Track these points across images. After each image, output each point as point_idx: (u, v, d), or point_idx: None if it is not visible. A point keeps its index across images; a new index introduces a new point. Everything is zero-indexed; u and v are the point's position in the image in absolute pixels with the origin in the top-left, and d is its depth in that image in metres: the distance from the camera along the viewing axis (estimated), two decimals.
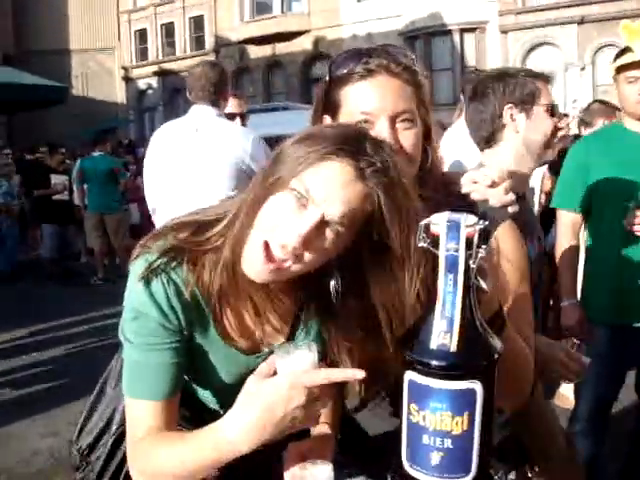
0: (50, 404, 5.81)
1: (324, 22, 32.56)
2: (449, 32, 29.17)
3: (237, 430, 1.31)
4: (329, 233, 1.36)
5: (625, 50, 3.33)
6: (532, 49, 28.19)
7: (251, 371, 1.42)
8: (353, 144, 1.36)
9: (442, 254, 1.17)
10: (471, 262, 1.18)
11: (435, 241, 1.19)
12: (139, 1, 40.95)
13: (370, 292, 1.46)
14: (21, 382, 6.70)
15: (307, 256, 1.37)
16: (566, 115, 8.93)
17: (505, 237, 1.69)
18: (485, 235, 1.19)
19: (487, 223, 1.20)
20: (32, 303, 10.20)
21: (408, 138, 1.63)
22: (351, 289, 1.49)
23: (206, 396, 1.67)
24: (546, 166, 6.70)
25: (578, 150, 3.51)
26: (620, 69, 3.31)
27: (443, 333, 1.17)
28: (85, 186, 11.71)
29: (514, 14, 28.09)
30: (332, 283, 1.51)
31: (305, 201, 1.34)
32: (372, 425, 1.91)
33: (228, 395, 1.42)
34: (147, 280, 1.46)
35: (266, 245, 1.36)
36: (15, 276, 12.13)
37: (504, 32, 28.05)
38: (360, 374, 1.31)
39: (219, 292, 1.51)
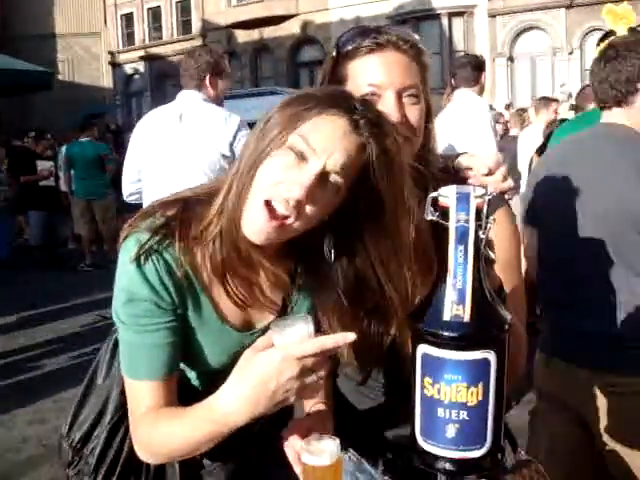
0: (37, 391, 5.82)
1: (312, 6, 32.39)
2: (437, 16, 29.09)
3: (231, 403, 1.32)
4: (329, 185, 1.41)
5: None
6: (520, 33, 28.15)
7: (244, 350, 1.41)
8: (344, 100, 1.44)
9: (452, 225, 1.19)
10: (481, 232, 1.19)
11: (444, 213, 1.20)
12: None
13: (365, 249, 1.51)
14: (8, 369, 6.69)
15: (308, 210, 1.41)
16: (555, 100, 8.93)
17: (501, 223, 1.68)
18: (493, 207, 1.21)
19: (495, 194, 1.22)
20: (19, 289, 10.16)
21: (414, 113, 1.66)
22: (345, 248, 1.53)
23: (197, 380, 1.68)
24: (534, 150, 6.72)
25: (557, 137, 3.56)
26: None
27: (455, 304, 1.18)
28: (72, 172, 11.65)
29: None
30: (326, 241, 1.55)
31: (305, 154, 1.39)
32: (361, 404, 1.90)
33: (220, 379, 1.41)
34: (139, 261, 1.46)
35: (267, 203, 1.40)
36: (9, 263, 12.08)
37: (492, 16, 27.98)
38: (350, 336, 1.30)
39: (213, 268, 1.52)
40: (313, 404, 1.75)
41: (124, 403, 1.57)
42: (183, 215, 1.53)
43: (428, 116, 1.75)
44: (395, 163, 1.45)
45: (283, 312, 1.64)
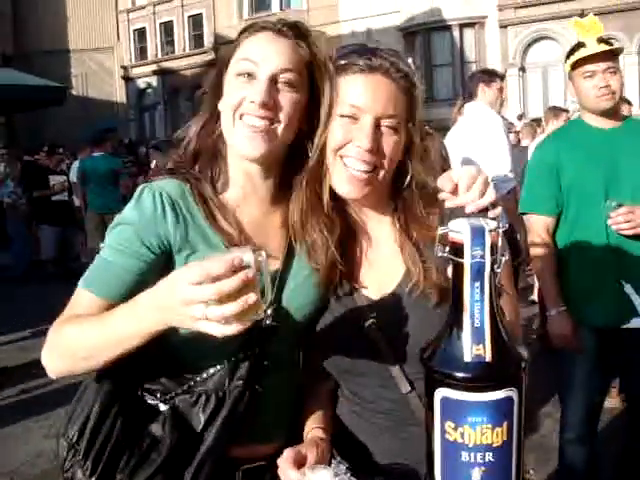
0: (53, 405, 5.80)
1: (323, 19, 32.47)
2: (448, 27, 29.08)
3: (142, 295, 1.42)
4: (284, 86, 1.62)
5: (578, 46, 3.30)
6: (532, 43, 28.10)
7: None
8: (266, 22, 1.69)
9: (467, 262, 1.14)
10: (495, 267, 1.15)
11: (456, 249, 1.16)
12: (138, 0, 40.88)
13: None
14: (23, 383, 6.70)
15: (280, 111, 1.62)
16: (566, 111, 8.91)
17: None
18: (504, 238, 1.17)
19: (507, 226, 1.19)
20: (34, 304, 10.17)
21: (388, 143, 1.63)
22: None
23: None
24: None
25: (546, 151, 3.45)
26: (575, 65, 3.28)
27: (475, 344, 1.14)
28: (85, 187, 11.68)
29: (513, 8, 28.00)
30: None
31: (251, 70, 1.62)
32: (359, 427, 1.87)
33: None
34: (139, 194, 1.64)
35: (241, 117, 1.63)
36: (22, 277, 12.11)
37: (503, 27, 27.95)
38: (252, 299, 1.27)
39: (219, 207, 1.68)
40: (310, 429, 1.75)
41: (113, 392, 1.60)
42: (182, 169, 1.74)
43: (409, 151, 1.71)
44: (327, 62, 1.68)
45: (289, 254, 1.74)
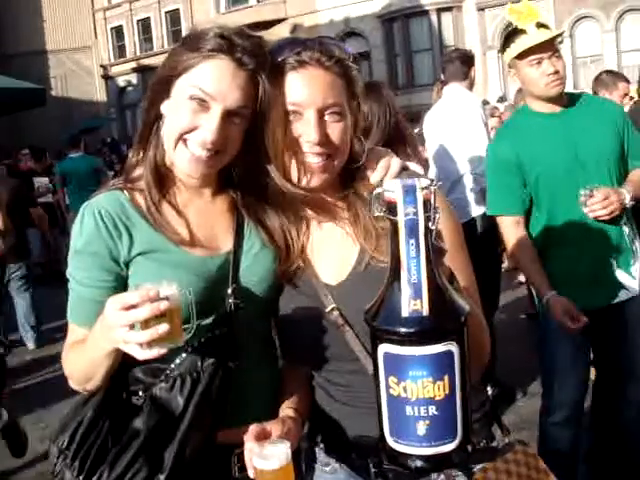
0: (47, 407, 5.84)
1: (300, 9, 32.41)
2: (426, 13, 29.12)
3: (95, 328, 1.56)
4: (235, 120, 1.64)
5: (517, 33, 3.22)
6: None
7: (214, 273, 1.71)
8: (222, 41, 1.60)
9: (401, 220, 1.17)
10: (430, 224, 1.18)
11: (391, 208, 1.19)
12: None
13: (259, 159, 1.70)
14: (17, 386, 6.70)
15: (227, 145, 1.65)
16: None
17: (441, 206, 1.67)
18: (437, 196, 1.20)
19: (440, 184, 1.21)
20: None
21: (336, 131, 1.65)
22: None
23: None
24: None
25: (501, 148, 3.36)
26: (521, 54, 3.18)
27: (413, 299, 1.17)
28: (66, 188, 11.59)
29: None
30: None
31: (205, 101, 1.61)
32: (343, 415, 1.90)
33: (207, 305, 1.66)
34: (82, 215, 1.72)
35: (185, 142, 1.64)
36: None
37: (481, 9, 27.99)
38: (163, 328, 1.39)
39: (155, 202, 1.73)
40: (282, 409, 1.78)
41: (103, 401, 1.69)
42: (129, 177, 1.79)
43: (356, 131, 1.74)
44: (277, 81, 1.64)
45: (240, 233, 1.80)
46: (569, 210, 3.18)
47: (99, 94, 40.73)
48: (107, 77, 40.66)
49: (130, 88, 40.08)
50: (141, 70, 38.68)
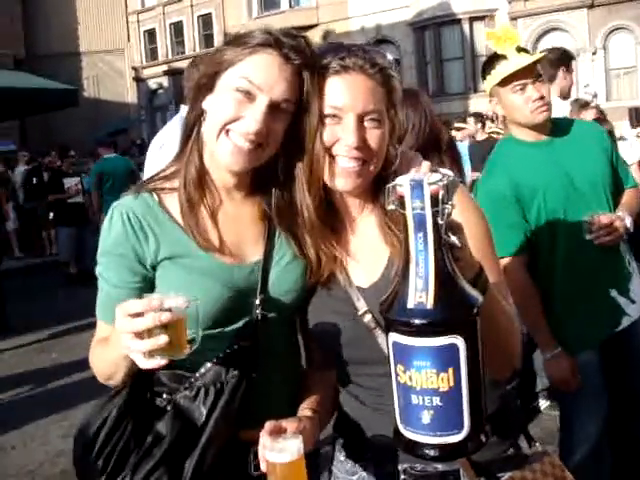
0: (71, 405, 5.86)
1: (332, 15, 32.48)
2: (458, 21, 29.02)
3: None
4: (279, 115, 1.66)
5: (497, 58, 3.06)
6: (542, 35, 27.97)
7: (234, 288, 1.70)
8: (270, 37, 1.65)
9: (409, 214, 1.21)
10: (439, 219, 1.19)
11: (402, 202, 1.21)
12: (147, 1, 41.00)
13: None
14: (42, 384, 6.77)
15: (269, 140, 1.66)
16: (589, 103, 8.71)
17: (462, 202, 1.65)
18: (451, 191, 1.21)
19: (451, 179, 1.23)
20: (51, 305, 10.27)
21: (374, 137, 1.67)
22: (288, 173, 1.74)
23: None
24: None
25: (497, 184, 3.11)
26: (503, 80, 3.02)
27: (419, 291, 1.20)
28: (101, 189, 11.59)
29: (523, 0, 27.89)
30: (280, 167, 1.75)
31: (251, 92, 1.62)
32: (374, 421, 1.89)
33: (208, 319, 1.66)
34: (110, 216, 1.73)
35: (227, 133, 1.65)
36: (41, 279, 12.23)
37: (514, 19, 27.83)
38: (162, 340, 1.39)
39: (188, 204, 1.73)
40: (300, 410, 1.79)
41: (128, 400, 1.70)
42: (156, 177, 1.81)
43: (392, 138, 1.75)
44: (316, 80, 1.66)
45: (270, 242, 1.80)
46: (570, 239, 3.08)
47: (130, 96, 41.09)
48: (138, 79, 41.00)
49: (161, 91, 40.37)
50: (172, 73, 38.93)
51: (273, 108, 1.64)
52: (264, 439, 1.54)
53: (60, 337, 8.49)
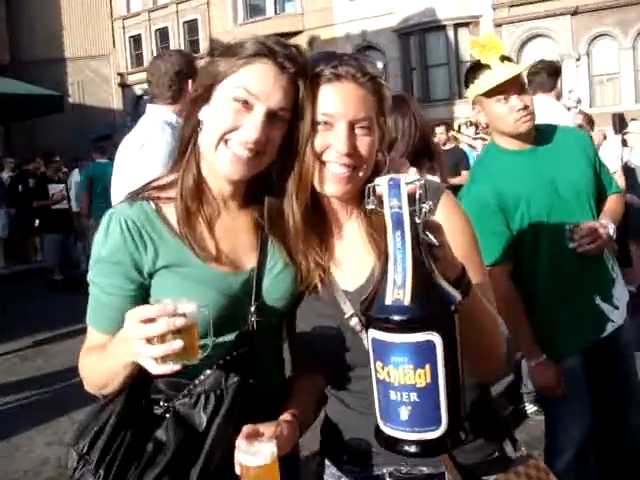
0: (55, 413, 5.83)
1: (317, 22, 32.54)
2: (443, 27, 29.15)
3: (115, 338, 1.58)
4: (276, 122, 1.68)
5: (480, 67, 3.04)
6: (527, 41, 28.18)
7: (231, 297, 1.72)
8: (264, 47, 1.67)
9: (387, 212, 1.24)
10: (416, 217, 1.23)
11: (381, 201, 1.25)
12: (133, 7, 40.91)
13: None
14: (26, 391, 6.72)
15: (267, 148, 1.68)
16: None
17: (448, 206, 1.72)
18: (430, 192, 1.25)
19: (427, 178, 1.26)
20: (36, 312, 10.21)
21: (364, 144, 1.70)
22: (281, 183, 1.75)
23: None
24: None
25: (481, 193, 3.10)
26: (488, 91, 3.01)
27: (397, 288, 1.23)
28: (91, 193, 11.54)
29: (507, 7, 28.09)
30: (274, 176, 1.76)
31: (249, 101, 1.65)
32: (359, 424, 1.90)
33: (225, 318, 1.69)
34: (107, 223, 1.72)
35: (226, 143, 1.67)
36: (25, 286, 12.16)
37: (498, 25, 28.04)
38: (177, 345, 1.40)
39: (186, 214, 1.74)
40: (283, 412, 1.80)
41: (126, 412, 1.69)
42: (152, 185, 1.81)
43: (381, 145, 1.79)
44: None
45: (263, 250, 1.82)
46: (553, 247, 3.09)
47: (115, 102, 40.96)
48: (124, 85, 40.89)
49: (146, 97, 40.21)
50: None
51: (270, 116, 1.66)
52: (239, 442, 1.56)
53: (45, 344, 8.44)
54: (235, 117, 1.66)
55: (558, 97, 5.40)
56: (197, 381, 1.69)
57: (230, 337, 1.74)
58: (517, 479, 1.72)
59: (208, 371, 1.68)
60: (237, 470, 1.56)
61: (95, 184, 11.32)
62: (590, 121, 9.04)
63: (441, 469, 1.72)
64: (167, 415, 1.69)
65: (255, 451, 1.52)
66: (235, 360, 1.71)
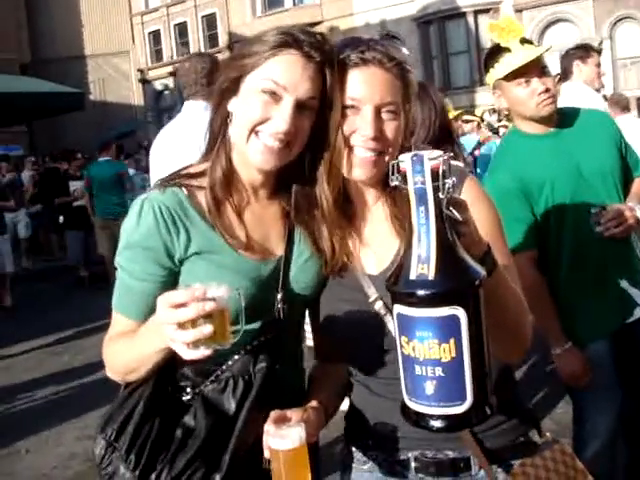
0: (84, 407, 5.88)
1: (336, 12, 32.46)
2: (463, 15, 28.95)
3: (148, 323, 1.61)
4: (304, 112, 1.69)
5: (500, 51, 3.00)
6: (548, 26, 27.90)
7: (260, 284, 1.74)
8: (290, 37, 1.67)
9: (411, 188, 1.25)
10: (440, 193, 1.23)
11: (405, 178, 1.26)
12: (151, 2, 41.08)
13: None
14: (54, 387, 6.79)
15: (296, 138, 1.69)
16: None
17: (472, 191, 1.72)
18: (453, 169, 1.25)
19: (451, 154, 1.27)
20: (63, 308, 10.30)
21: (390, 128, 1.71)
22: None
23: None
24: None
25: (502, 177, 3.08)
26: (507, 75, 2.97)
27: (421, 263, 1.24)
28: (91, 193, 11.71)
29: None
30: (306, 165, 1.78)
31: (277, 92, 1.66)
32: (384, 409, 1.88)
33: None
34: (139, 209, 1.72)
35: (257, 134, 1.68)
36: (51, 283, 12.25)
37: (519, 11, 27.76)
38: (207, 329, 1.41)
39: (217, 203, 1.76)
40: (309, 400, 1.82)
41: (153, 394, 1.70)
42: (183, 174, 1.82)
43: (405, 131, 1.79)
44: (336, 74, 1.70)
45: (290, 239, 1.84)
46: (578, 231, 3.04)
47: (136, 98, 41.19)
48: (144, 81, 41.09)
49: (167, 92, 40.43)
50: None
51: (299, 107, 1.67)
52: (268, 427, 1.58)
53: (72, 340, 8.51)
54: (264, 109, 1.67)
55: (591, 81, 5.26)
56: (225, 366, 1.71)
57: (257, 324, 1.75)
58: (543, 462, 1.75)
59: (236, 356, 1.71)
60: (266, 454, 1.57)
61: (93, 184, 11.57)
62: (625, 107, 8.88)
63: (467, 453, 1.74)
64: (194, 402, 1.70)
65: (284, 435, 1.54)
66: (262, 346, 1.74)
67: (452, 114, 6.56)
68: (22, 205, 14.43)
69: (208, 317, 1.42)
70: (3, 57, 29.15)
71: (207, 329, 1.41)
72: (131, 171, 14.28)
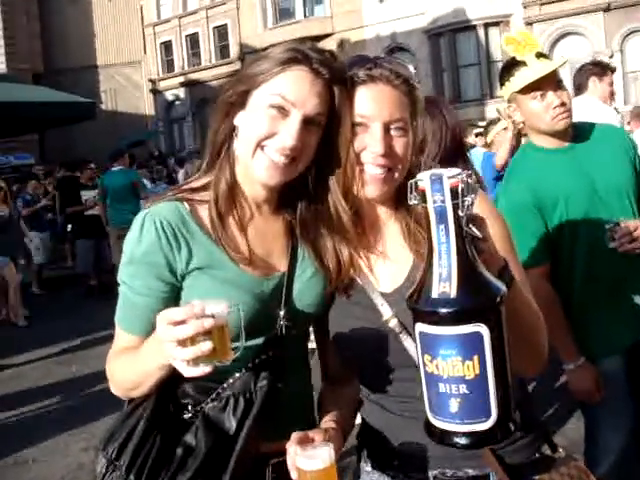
0: (91, 418, 5.87)
1: (347, 24, 32.55)
2: (473, 27, 28.98)
3: (150, 339, 1.59)
4: (311, 128, 1.68)
5: (516, 65, 2.99)
6: (559, 39, 27.90)
7: (267, 294, 1.73)
8: (298, 53, 1.67)
9: (430, 207, 1.25)
10: (459, 211, 1.23)
11: (424, 196, 1.25)
12: (163, 13, 41.30)
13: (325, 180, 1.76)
14: (62, 397, 6.78)
15: (303, 154, 1.69)
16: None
17: (483, 207, 1.66)
18: (471, 186, 1.25)
19: (470, 173, 1.27)
20: (70, 318, 10.31)
21: (399, 145, 1.72)
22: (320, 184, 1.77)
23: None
24: None
25: (517, 193, 3.05)
26: (522, 89, 2.95)
27: (443, 281, 1.24)
28: (105, 202, 11.73)
29: (538, 5, 27.84)
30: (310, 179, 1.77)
31: (285, 108, 1.65)
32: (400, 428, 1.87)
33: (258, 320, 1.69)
34: (141, 224, 1.71)
35: (262, 149, 1.68)
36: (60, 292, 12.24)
37: (529, 24, 27.78)
38: (206, 346, 1.39)
39: (220, 217, 1.75)
40: (324, 421, 1.81)
41: (155, 416, 1.68)
42: (187, 187, 1.81)
43: (414, 148, 1.79)
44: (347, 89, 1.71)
45: (294, 256, 1.83)
46: (592, 246, 3.00)
47: (147, 108, 41.38)
48: (155, 91, 41.29)
49: (178, 102, 40.64)
50: (188, 84, 39.23)
51: (306, 122, 1.67)
52: (293, 448, 1.55)
53: (80, 350, 8.51)
54: (271, 124, 1.67)
55: (605, 97, 5.28)
56: (226, 384, 1.69)
57: (259, 340, 1.74)
58: (560, 478, 1.74)
59: (237, 374, 1.69)
60: (293, 475, 1.55)
61: (106, 193, 11.60)
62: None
63: (486, 470, 1.73)
64: (195, 420, 1.69)
65: (313, 455, 1.51)
66: (263, 363, 1.72)
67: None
68: (41, 228, 14.13)
69: (207, 334, 1.40)
70: (16, 67, 29.35)
71: (206, 346, 1.39)
72: (147, 183, 14.23)
